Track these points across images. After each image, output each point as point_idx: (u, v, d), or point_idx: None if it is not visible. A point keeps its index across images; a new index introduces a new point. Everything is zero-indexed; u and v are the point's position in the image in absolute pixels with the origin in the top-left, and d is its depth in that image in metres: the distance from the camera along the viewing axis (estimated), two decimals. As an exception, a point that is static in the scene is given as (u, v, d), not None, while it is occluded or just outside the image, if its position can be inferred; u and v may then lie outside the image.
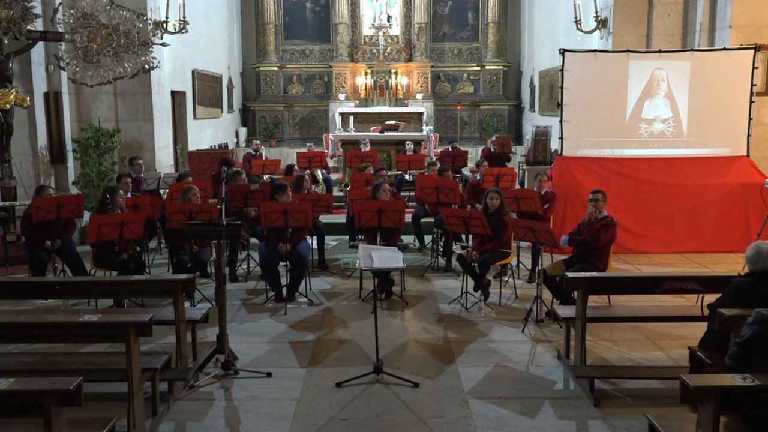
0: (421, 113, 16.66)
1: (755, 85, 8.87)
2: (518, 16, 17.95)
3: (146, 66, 8.44)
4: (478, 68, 18.10)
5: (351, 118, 15.72)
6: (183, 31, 10.40)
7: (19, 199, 8.28)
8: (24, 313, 5.73)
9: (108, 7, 8.15)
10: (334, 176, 12.28)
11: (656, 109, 8.90)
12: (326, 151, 13.77)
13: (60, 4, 8.51)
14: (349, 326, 5.92)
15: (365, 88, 17.36)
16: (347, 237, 9.19)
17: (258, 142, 13.06)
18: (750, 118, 8.87)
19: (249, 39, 18.12)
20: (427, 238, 8.71)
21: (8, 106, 8.03)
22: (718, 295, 4.12)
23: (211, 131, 14.91)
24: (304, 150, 12.38)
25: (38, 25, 8.41)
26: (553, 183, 8.62)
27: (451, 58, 18.24)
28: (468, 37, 18.19)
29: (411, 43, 17.91)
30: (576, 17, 10.95)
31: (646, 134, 8.99)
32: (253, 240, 7.80)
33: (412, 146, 11.98)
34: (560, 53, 8.80)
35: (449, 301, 6.62)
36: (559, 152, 8.98)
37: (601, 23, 10.81)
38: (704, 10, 9.99)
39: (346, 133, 14.34)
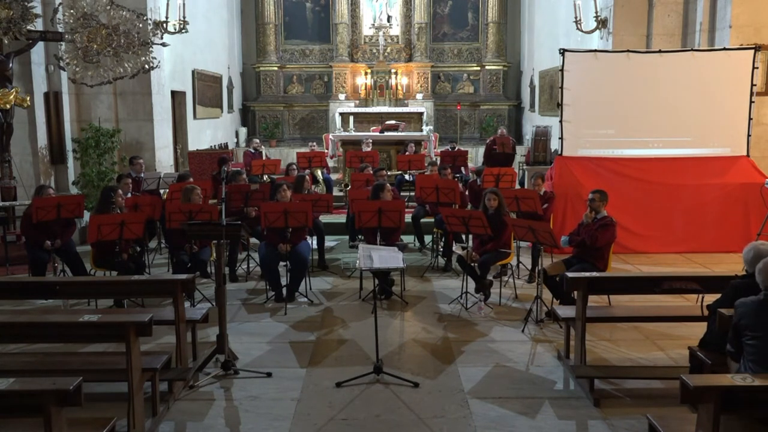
0: (421, 113, 16.65)
1: (755, 85, 8.86)
2: (518, 16, 17.95)
3: (146, 66, 8.43)
4: (478, 68, 18.10)
5: (351, 118, 15.72)
6: (183, 31, 10.40)
7: (19, 199, 8.28)
8: (24, 313, 5.73)
9: (108, 7, 8.14)
10: (334, 176, 12.28)
11: (655, 109, 8.89)
12: (326, 151, 13.77)
13: (60, 4, 8.51)
14: (349, 326, 5.92)
15: (365, 88, 17.36)
16: (347, 237, 9.19)
17: (258, 141, 13.08)
18: (750, 118, 8.87)
19: (249, 39, 18.12)
20: (427, 238, 8.70)
21: (8, 106, 8.04)
22: (718, 296, 4.12)
23: (211, 131, 14.91)
24: (305, 150, 12.38)
25: (38, 25, 8.40)
26: (553, 183, 8.62)
27: (451, 58, 18.24)
28: (468, 37, 18.19)
29: (411, 43, 17.91)
30: (576, 17, 10.95)
31: (647, 134, 8.98)
32: (253, 240, 7.80)
33: (413, 147, 11.96)
34: (560, 53, 8.80)
35: (449, 301, 6.62)
36: (559, 152, 8.98)
37: (601, 23, 10.81)
38: (704, 10, 10.00)
39: (346, 133, 14.34)
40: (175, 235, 6.68)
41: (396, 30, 17.92)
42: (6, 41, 7.94)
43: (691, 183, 8.69)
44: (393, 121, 14.79)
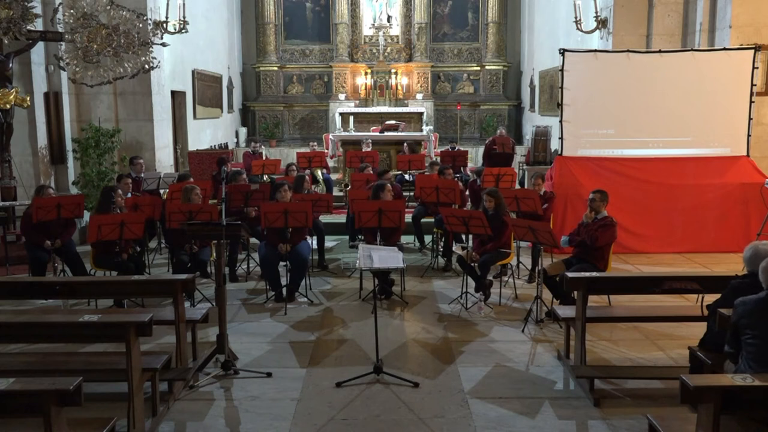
0: (421, 113, 16.67)
1: (755, 85, 8.86)
2: (518, 16, 17.96)
3: (146, 66, 8.43)
4: (478, 68, 18.11)
5: (351, 118, 15.74)
6: (183, 31, 10.40)
7: (19, 199, 8.28)
8: (24, 313, 5.74)
9: (108, 7, 8.14)
10: (334, 176, 12.28)
11: (655, 109, 8.89)
12: (326, 151, 13.77)
13: (60, 4, 8.51)
14: (349, 326, 5.92)
15: (365, 88, 17.37)
16: (347, 237, 9.19)
17: (256, 143, 13.09)
18: (750, 118, 8.87)
19: (249, 39, 18.13)
20: (427, 238, 8.70)
21: (8, 106, 8.03)
22: (718, 296, 4.12)
23: (211, 131, 14.91)
24: (305, 150, 12.38)
25: (38, 25, 8.40)
26: (554, 183, 8.62)
27: (451, 58, 18.24)
28: (468, 37, 18.20)
29: (411, 43, 17.92)
30: (576, 17, 10.95)
31: (647, 134, 8.98)
32: (253, 240, 7.80)
33: (407, 147, 11.91)
34: (560, 53, 8.80)
35: (449, 301, 6.62)
36: (559, 152, 8.98)
37: (601, 23, 10.81)
38: (704, 10, 10.00)
39: (346, 133, 14.35)
40: (175, 235, 6.68)
41: (396, 30, 17.93)
42: (6, 41, 7.94)
43: (691, 183, 8.68)
44: (393, 121, 14.80)
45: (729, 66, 8.82)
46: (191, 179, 9.45)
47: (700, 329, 4.49)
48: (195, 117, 13.66)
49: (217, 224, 5.06)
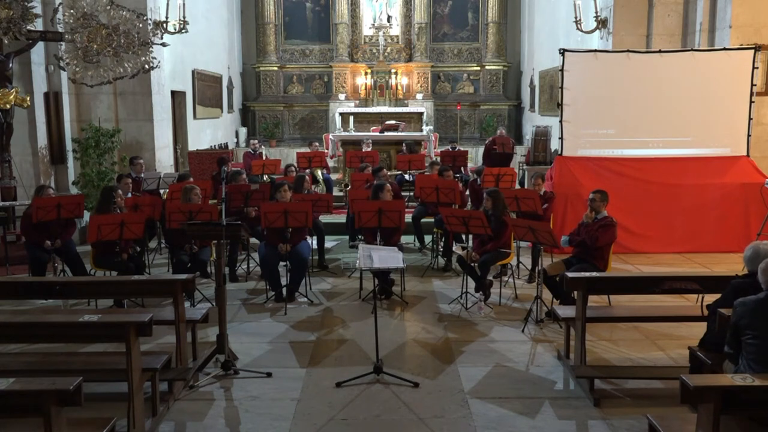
0: (421, 113, 16.67)
1: (755, 85, 8.86)
2: (518, 16, 17.96)
3: (146, 66, 8.43)
4: (478, 68, 18.11)
5: (351, 118, 15.73)
6: (183, 31, 10.41)
7: (19, 199, 8.28)
8: (24, 313, 5.73)
9: (108, 7, 8.14)
10: (334, 176, 12.28)
11: (655, 109, 8.89)
12: (326, 151, 13.77)
13: (60, 4, 8.51)
14: (349, 326, 5.92)
15: (365, 88, 17.37)
16: (347, 237, 9.19)
17: (256, 142, 13.09)
18: (750, 118, 8.87)
19: (249, 39, 18.13)
20: (427, 238, 8.70)
21: (8, 106, 8.03)
22: (718, 296, 4.12)
23: (211, 131, 14.91)
24: (306, 149, 12.39)
25: (38, 25, 8.40)
26: (554, 183, 8.62)
27: (451, 58, 18.25)
28: (468, 37, 18.20)
29: (411, 43, 17.92)
30: (576, 17, 10.95)
31: (647, 134, 8.98)
32: (253, 240, 7.80)
33: (405, 148, 11.89)
34: (560, 53, 8.80)
35: (449, 301, 6.62)
36: (559, 152, 8.98)
37: (601, 23, 10.81)
38: (704, 10, 10.00)
39: (346, 133, 14.35)
40: (175, 235, 6.68)
41: (396, 30, 17.93)
42: (6, 41, 7.94)
43: (691, 183, 8.68)
44: (393, 121, 14.80)
45: (729, 66, 8.82)
46: (191, 179, 9.45)
47: (700, 329, 4.49)
48: (195, 117, 13.66)
49: (217, 224, 5.06)
